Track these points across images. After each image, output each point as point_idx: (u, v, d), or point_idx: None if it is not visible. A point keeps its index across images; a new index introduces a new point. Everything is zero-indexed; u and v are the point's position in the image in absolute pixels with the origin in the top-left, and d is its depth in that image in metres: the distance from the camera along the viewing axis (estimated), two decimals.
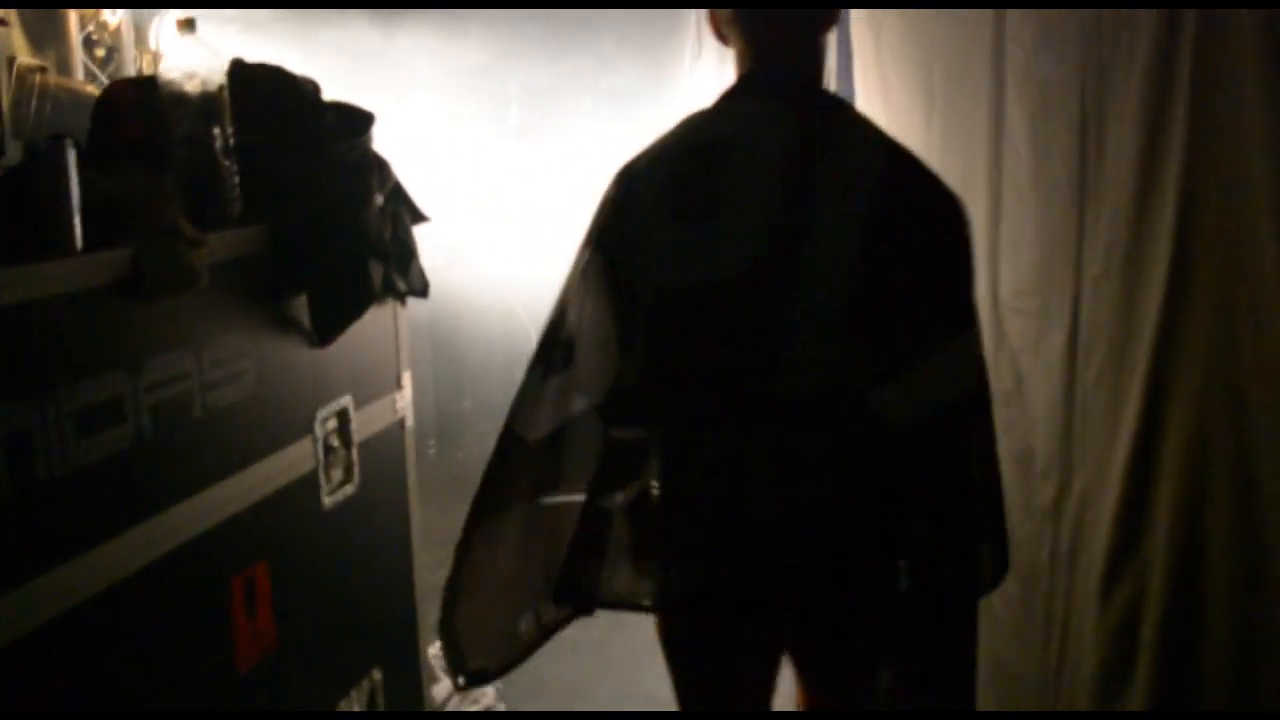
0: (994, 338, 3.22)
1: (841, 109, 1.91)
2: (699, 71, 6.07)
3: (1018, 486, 3.15)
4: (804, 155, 1.70)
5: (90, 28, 4.58)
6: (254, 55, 2.28)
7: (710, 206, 1.69)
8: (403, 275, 2.50)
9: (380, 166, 2.43)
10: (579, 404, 1.74)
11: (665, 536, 1.73)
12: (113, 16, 4.94)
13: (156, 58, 5.17)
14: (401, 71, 6.29)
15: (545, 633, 1.87)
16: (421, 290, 2.57)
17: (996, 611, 3.31)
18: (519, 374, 1.82)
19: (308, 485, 2.24)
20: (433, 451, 6.30)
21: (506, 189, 6.39)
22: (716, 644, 1.84)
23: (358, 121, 2.32)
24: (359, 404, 2.42)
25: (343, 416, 2.35)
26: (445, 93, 6.50)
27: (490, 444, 1.95)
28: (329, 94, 2.29)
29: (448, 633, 1.92)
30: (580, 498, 1.75)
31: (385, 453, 2.58)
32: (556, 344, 1.77)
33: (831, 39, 4.36)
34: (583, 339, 1.74)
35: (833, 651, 1.90)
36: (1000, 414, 3.26)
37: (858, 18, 4.04)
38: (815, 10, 1.83)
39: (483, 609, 1.92)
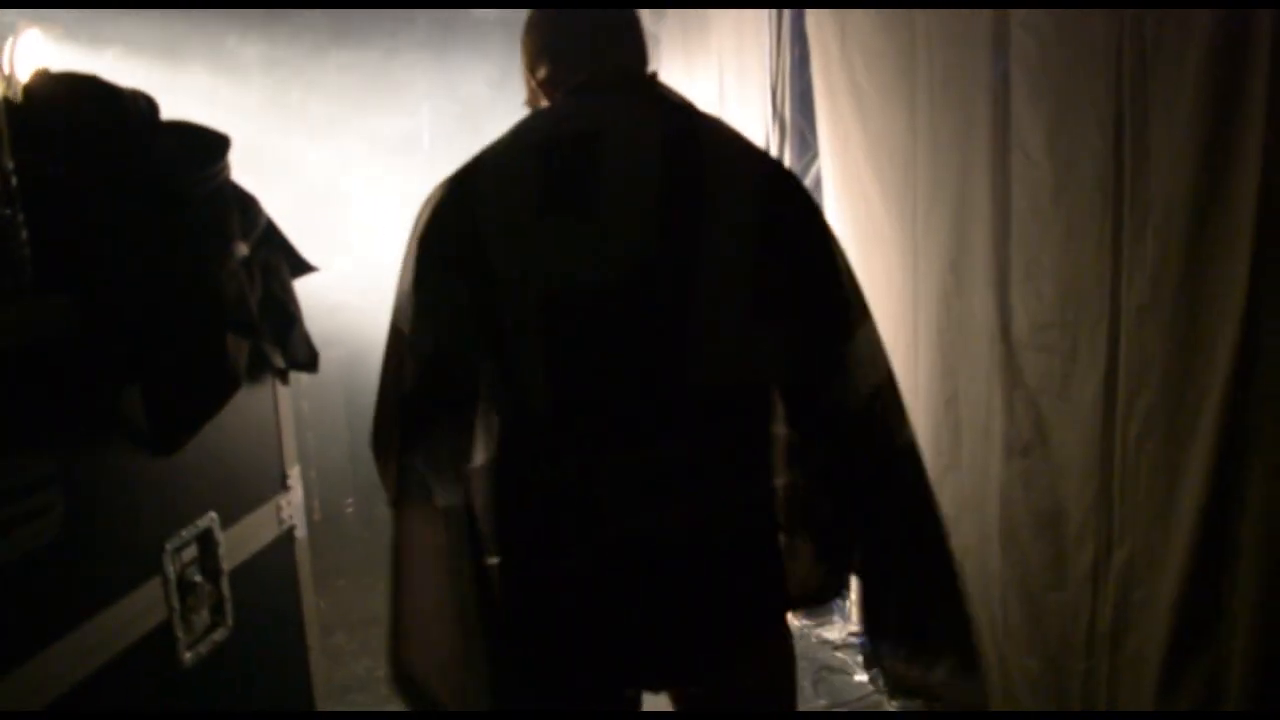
0: (1003, 379, 2.71)
1: (690, 105, 1.67)
2: None
3: (1041, 547, 2.66)
4: (677, 149, 1.54)
5: None
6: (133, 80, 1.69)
7: (587, 200, 1.50)
8: (280, 345, 1.91)
9: (244, 206, 1.84)
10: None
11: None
12: None
13: (12, 82, 4.53)
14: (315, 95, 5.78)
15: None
16: (307, 362, 1.98)
17: (1017, 689, 2.82)
18: None
19: (157, 642, 1.64)
20: (350, 510, 5.67)
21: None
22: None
23: (207, 147, 1.73)
24: (228, 521, 1.82)
25: (205, 541, 1.75)
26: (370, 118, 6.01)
27: None
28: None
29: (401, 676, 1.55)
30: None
31: (270, 576, 1.98)
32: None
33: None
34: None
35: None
36: (1014, 466, 2.81)
37: (814, 9, 3.54)
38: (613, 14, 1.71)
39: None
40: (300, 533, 2.05)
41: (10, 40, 4.92)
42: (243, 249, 1.79)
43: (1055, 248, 2.52)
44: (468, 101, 6.18)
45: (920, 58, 2.93)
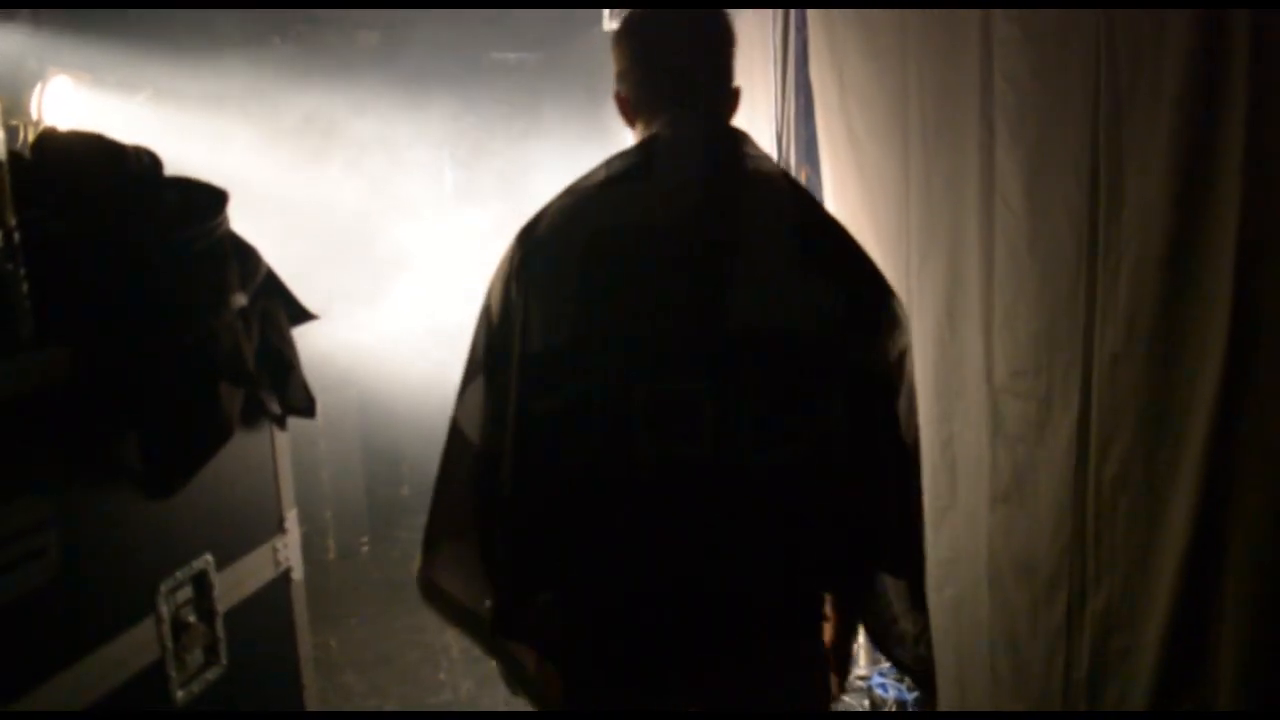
0: (989, 424, 2.75)
1: (745, 150, 1.76)
2: None
3: (1021, 596, 2.68)
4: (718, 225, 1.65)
5: None
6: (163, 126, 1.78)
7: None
8: (278, 392, 1.98)
9: (243, 257, 1.92)
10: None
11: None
12: None
13: (39, 127, 4.67)
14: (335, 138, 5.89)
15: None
16: (305, 408, 2.06)
17: None
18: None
19: (151, 680, 1.70)
20: (365, 550, 5.74)
21: (450, 257, 5.94)
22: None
23: (207, 202, 1.82)
24: (224, 562, 1.89)
25: (200, 582, 1.82)
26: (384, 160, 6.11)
27: None
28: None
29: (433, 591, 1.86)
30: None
31: (265, 618, 2.05)
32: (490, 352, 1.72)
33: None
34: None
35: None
36: (998, 513, 2.84)
37: (817, 59, 3.61)
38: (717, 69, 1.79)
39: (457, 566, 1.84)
40: (297, 575, 2.12)
41: (39, 87, 5.05)
42: (240, 299, 1.87)
43: (1031, 294, 2.56)
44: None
45: (912, 105, 2.99)
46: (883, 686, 3.83)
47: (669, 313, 1.60)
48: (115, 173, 1.71)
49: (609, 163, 1.72)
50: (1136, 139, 2.24)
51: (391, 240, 6.04)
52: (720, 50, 1.79)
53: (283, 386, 2.00)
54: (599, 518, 1.61)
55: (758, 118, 4.20)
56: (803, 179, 3.91)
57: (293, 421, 2.14)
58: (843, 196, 3.50)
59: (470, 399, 1.73)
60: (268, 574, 2.04)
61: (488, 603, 1.76)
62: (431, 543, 1.88)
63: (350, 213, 6.04)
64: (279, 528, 2.08)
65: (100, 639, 1.58)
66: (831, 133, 3.53)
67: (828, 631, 1.87)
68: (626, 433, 1.56)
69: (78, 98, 5.41)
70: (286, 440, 2.12)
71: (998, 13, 2.55)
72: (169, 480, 1.71)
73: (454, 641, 4.42)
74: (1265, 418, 1.98)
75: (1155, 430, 2.25)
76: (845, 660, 1.95)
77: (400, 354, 5.63)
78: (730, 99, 1.80)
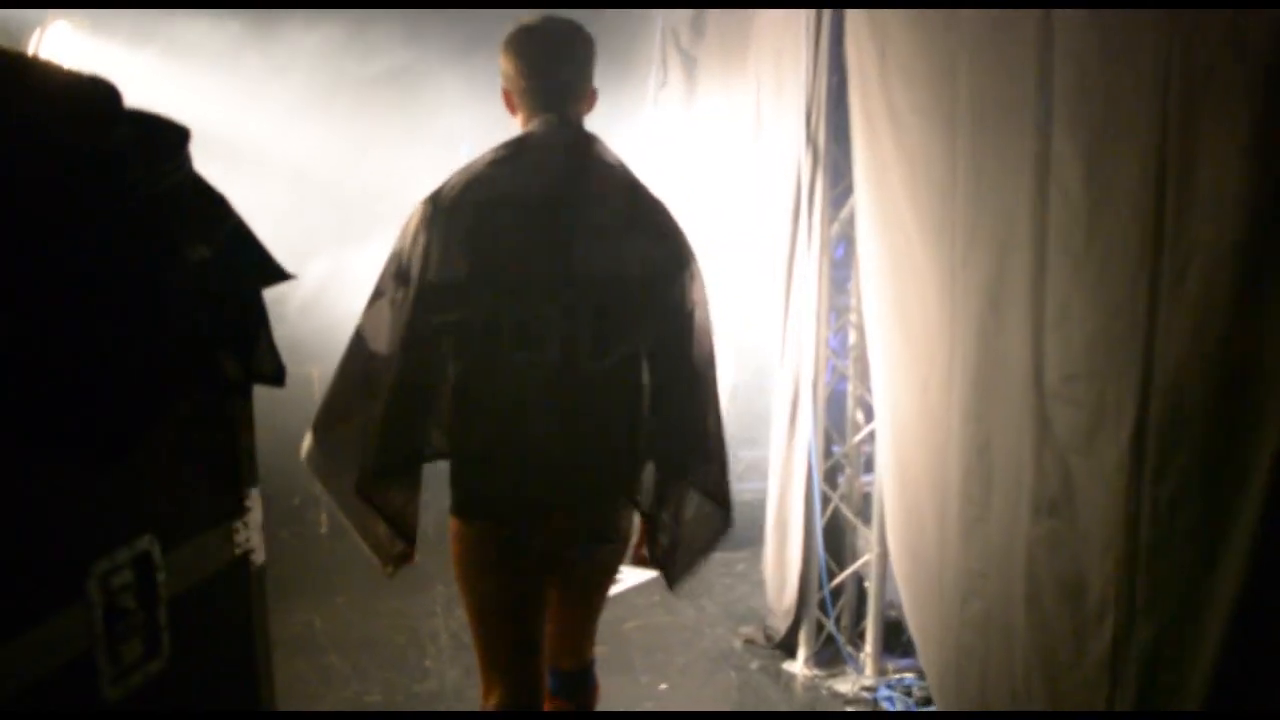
0: (1034, 430, 2.53)
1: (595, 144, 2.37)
2: (664, 102, 5.48)
3: (1063, 617, 2.46)
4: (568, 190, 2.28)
5: None
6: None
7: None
8: (242, 357, 1.77)
9: (207, 205, 1.71)
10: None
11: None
12: None
13: None
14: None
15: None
16: (273, 375, 1.85)
17: None
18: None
19: (75, 673, 1.50)
20: (324, 531, 5.54)
21: None
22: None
23: (165, 140, 1.60)
24: (172, 544, 1.68)
25: (142, 564, 1.61)
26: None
27: (431, 510, 2.60)
28: None
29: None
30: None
31: (219, 606, 1.84)
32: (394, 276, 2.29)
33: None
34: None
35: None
36: (1039, 526, 2.62)
37: (854, 30, 3.37)
38: (578, 81, 2.37)
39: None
40: (258, 559, 1.92)
41: (39, 31, 4.86)
42: (201, 252, 1.66)
43: (1087, 291, 2.34)
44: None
45: (961, 81, 2.76)
46: (889, 700, 3.65)
47: (531, 259, 2.22)
48: (64, 106, 1.50)
49: (495, 150, 2.31)
50: (1213, 125, 2.02)
51: (398, 212, 5.83)
52: (583, 64, 2.37)
53: (248, 351, 1.79)
54: (474, 403, 2.27)
55: (785, 95, 3.99)
56: (812, 165, 3.69)
57: (286, 391, 1.96)
58: (880, 178, 3.26)
59: (376, 315, 2.29)
60: (223, 557, 1.83)
61: (357, 472, 2.31)
62: (321, 427, 2.41)
63: (367, 178, 5.87)
64: (239, 507, 1.87)
65: (12, 627, 1.38)
66: (869, 110, 3.30)
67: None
68: (497, 342, 2.21)
69: (81, 46, 5.24)
70: (250, 411, 1.90)
71: None
72: (105, 451, 1.50)
73: (442, 628, 4.22)
74: None
75: (1219, 447, 2.04)
76: (654, 532, 2.41)
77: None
78: (588, 99, 2.40)
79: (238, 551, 1.87)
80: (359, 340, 2.30)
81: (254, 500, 1.91)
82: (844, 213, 3.79)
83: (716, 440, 2.44)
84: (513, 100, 2.38)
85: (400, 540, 2.36)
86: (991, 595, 2.75)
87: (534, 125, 2.32)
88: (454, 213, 2.22)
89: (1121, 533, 2.26)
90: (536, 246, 2.22)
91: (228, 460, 1.86)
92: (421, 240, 2.23)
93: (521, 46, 2.33)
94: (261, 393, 1.67)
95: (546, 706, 2.53)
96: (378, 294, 2.29)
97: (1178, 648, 2.13)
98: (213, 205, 1.74)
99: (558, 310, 2.21)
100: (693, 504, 2.42)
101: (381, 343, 2.27)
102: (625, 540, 2.45)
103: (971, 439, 2.83)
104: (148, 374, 1.52)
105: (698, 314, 2.38)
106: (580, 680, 2.61)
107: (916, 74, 2.99)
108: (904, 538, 3.31)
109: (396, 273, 2.27)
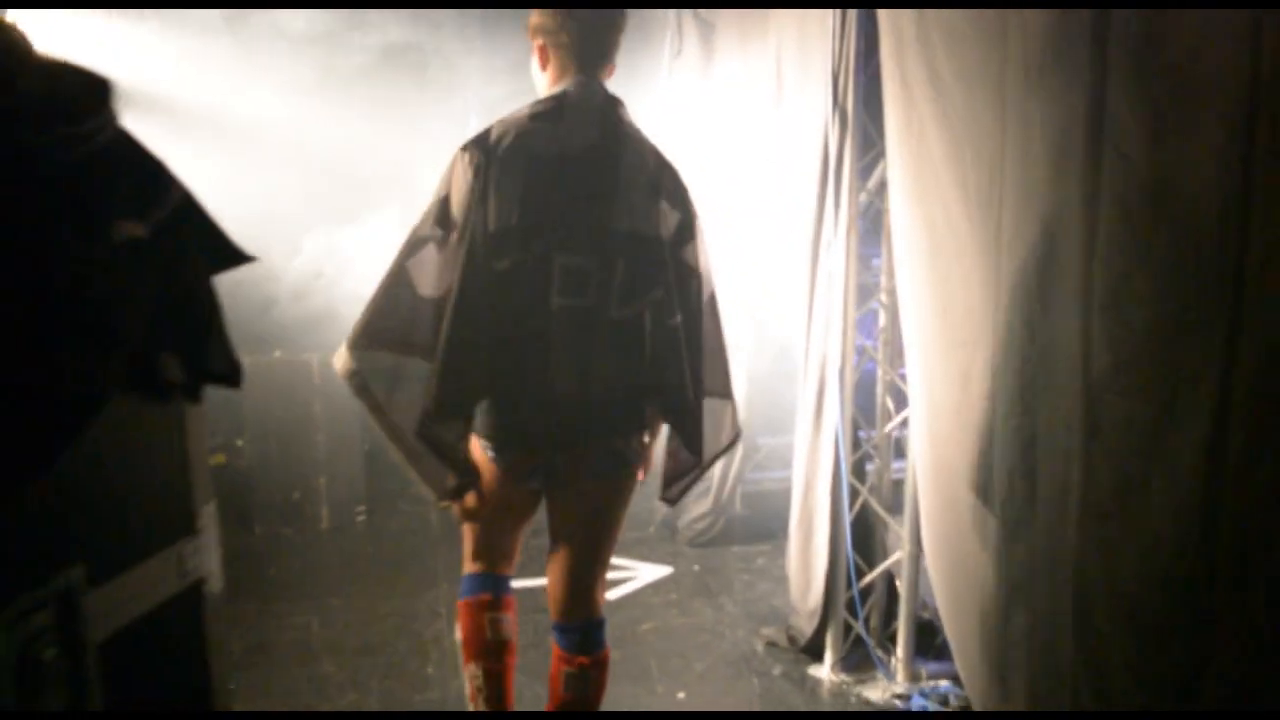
0: (1084, 426, 2.25)
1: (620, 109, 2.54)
2: (679, 70, 5.20)
3: (1122, 641, 2.18)
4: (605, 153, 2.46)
5: None
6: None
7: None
8: (189, 354, 1.52)
9: (142, 175, 1.45)
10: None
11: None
12: None
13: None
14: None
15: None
16: (225, 373, 1.59)
17: None
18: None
19: None
20: (361, 520, 5.32)
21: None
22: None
23: (84, 94, 1.35)
24: (104, 576, 1.43)
25: (65, 604, 1.37)
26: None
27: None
28: None
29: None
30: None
31: (164, 644, 1.59)
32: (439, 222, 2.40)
33: None
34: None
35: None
36: (1090, 534, 2.33)
37: None
38: (613, 50, 2.54)
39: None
40: (213, 586, 1.67)
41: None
42: (133, 230, 1.40)
43: (1152, 266, 2.06)
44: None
45: (1013, 41, 2.47)
46: (924, 708, 3.40)
47: (576, 211, 2.39)
48: None
49: (534, 104, 2.47)
50: None
51: (408, 186, 5.62)
52: (618, 41, 2.53)
53: (196, 347, 1.53)
54: (522, 343, 2.39)
55: (809, 59, 3.71)
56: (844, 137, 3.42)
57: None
58: (917, 148, 2.98)
59: (423, 259, 2.37)
60: (169, 587, 1.58)
61: (418, 412, 2.36)
62: (360, 346, 2.37)
63: (367, 155, 5.64)
64: (189, 527, 1.62)
65: None
66: (906, 75, 3.01)
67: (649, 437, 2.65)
68: (546, 287, 2.37)
69: (80, 24, 5.01)
70: (202, 416, 1.65)
71: None
72: (13, 472, 1.26)
73: (447, 632, 3.99)
74: None
75: None
76: (649, 457, 2.68)
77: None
78: (609, 69, 2.54)
79: (186, 579, 1.62)
80: (403, 277, 2.37)
81: (208, 518, 1.66)
82: (870, 182, 3.52)
83: (716, 378, 2.65)
84: (546, 56, 2.52)
85: (455, 474, 2.44)
86: (1038, 610, 2.49)
87: (567, 84, 2.47)
88: (507, 163, 2.35)
89: (1194, 544, 1.99)
90: (580, 199, 2.39)
91: (175, 473, 1.61)
92: (476, 187, 2.35)
93: (577, 14, 2.47)
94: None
95: (555, 665, 2.64)
96: (420, 239, 2.38)
97: (1263, 683, 1.87)
98: (149, 175, 1.48)
99: (596, 261, 2.38)
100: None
101: (429, 287, 2.37)
102: (631, 466, 2.58)
103: (1015, 434, 2.57)
104: (64, 375, 1.27)
105: (704, 265, 2.58)
106: (587, 635, 2.63)
107: (962, 34, 2.70)
108: (941, 538, 3.05)
109: (441, 218, 2.38)
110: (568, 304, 2.37)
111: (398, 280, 2.37)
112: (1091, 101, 2.18)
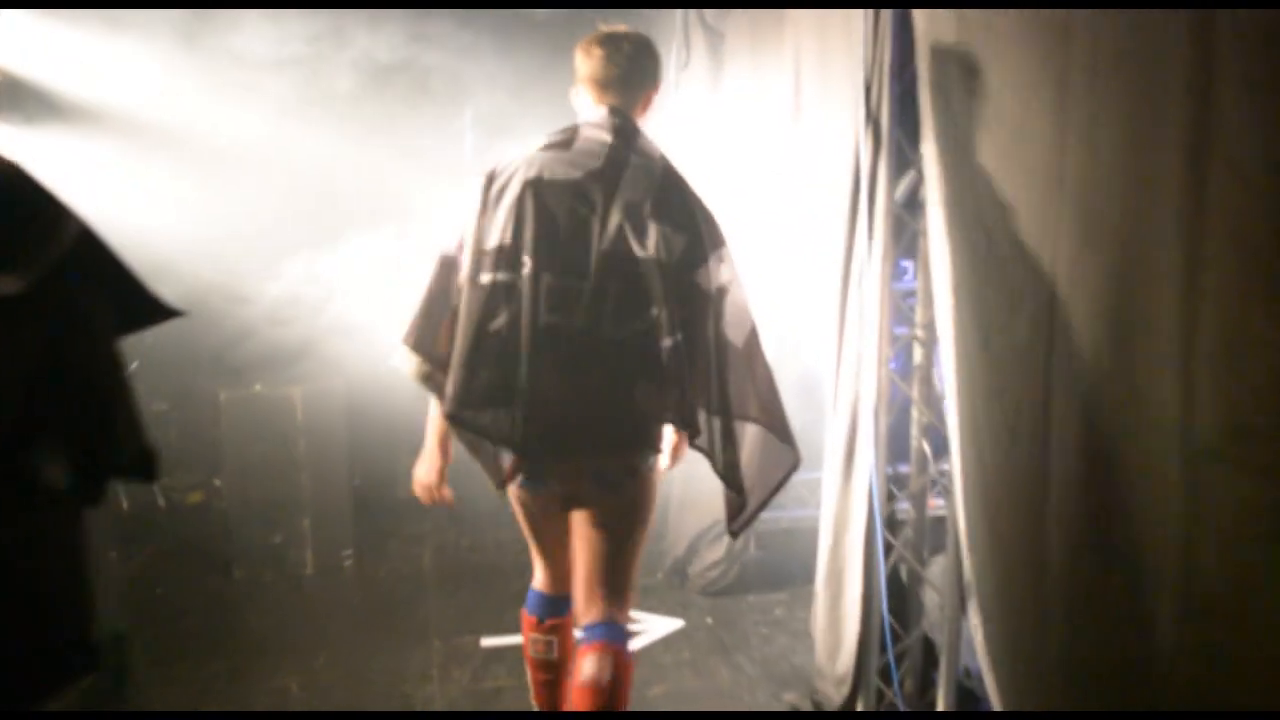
0: (1183, 506, 1.89)
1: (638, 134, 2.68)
2: (686, 82, 4.88)
3: None
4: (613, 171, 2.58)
5: None
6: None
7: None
8: (87, 442, 1.18)
9: (17, 211, 1.11)
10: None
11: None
12: None
13: None
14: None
15: None
16: (136, 466, 1.25)
17: None
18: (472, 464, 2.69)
19: None
20: (349, 564, 4.98)
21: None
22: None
23: None
24: None
25: None
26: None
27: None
28: None
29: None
30: None
31: None
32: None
33: None
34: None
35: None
36: (1187, 639, 2.00)
37: None
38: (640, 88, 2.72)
39: None
40: None
41: None
42: (3, 283, 1.06)
43: (1275, 307, 1.71)
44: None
45: (1077, 39, 2.13)
46: None
47: (568, 235, 2.51)
48: None
49: (551, 135, 2.64)
50: None
51: (394, 210, 5.32)
52: (640, 70, 2.68)
53: (93, 433, 1.19)
54: (507, 354, 2.48)
55: (832, 69, 3.38)
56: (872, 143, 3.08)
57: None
58: (959, 165, 2.64)
59: (450, 271, 2.62)
60: None
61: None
62: (423, 346, 2.62)
63: (349, 179, 5.36)
64: (85, 664, 1.27)
65: None
66: (944, 80, 2.68)
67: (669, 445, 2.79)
68: (534, 305, 2.47)
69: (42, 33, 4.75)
70: (93, 523, 1.30)
71: None
72: None
73: (438, 695, 3.63)
74: None
75: None
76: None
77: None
78: (643, 103, 2.70)
79: None
80: (446, 280, 2.61)
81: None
82: (898, 194, 3.17)
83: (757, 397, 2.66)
84: (579, 91, 2.71)
85: (487, 473, 2.67)
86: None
87: (589, 114, 2.67)
88: (507, 186, 2.55)
89: None
90: (572, 224, 2.51)
91: (63, 603, 1.26)
92: (476, 209, 2.58)
93: (593, 42, 2.66)
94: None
95: (576, 655, 2.74)
96: (445, 254, 2.63)
97: None
98: (29, 211, 1.14)
99: (586, 282, 2.48)
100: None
101: (454, 297, 2.60)
102: (633, 482, 2.65)
103: (1078, 503, 2.21)
104: None
105: (732, 291, 2.62)
106: (596, 630, 2.70)
107: (1013, 34, 2.36)
108: (996, 616, 2.69)
109: (460, 237, 2.62)
110: (555, 322, 2.47)
111: (440, 287, 2.62)
112: (1193, 108, 1.83)
